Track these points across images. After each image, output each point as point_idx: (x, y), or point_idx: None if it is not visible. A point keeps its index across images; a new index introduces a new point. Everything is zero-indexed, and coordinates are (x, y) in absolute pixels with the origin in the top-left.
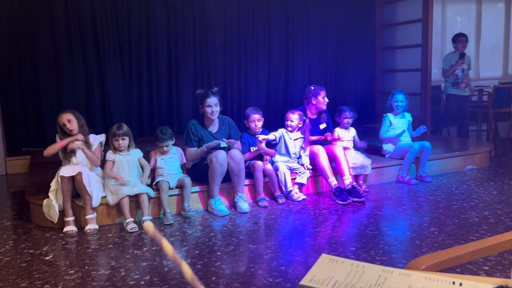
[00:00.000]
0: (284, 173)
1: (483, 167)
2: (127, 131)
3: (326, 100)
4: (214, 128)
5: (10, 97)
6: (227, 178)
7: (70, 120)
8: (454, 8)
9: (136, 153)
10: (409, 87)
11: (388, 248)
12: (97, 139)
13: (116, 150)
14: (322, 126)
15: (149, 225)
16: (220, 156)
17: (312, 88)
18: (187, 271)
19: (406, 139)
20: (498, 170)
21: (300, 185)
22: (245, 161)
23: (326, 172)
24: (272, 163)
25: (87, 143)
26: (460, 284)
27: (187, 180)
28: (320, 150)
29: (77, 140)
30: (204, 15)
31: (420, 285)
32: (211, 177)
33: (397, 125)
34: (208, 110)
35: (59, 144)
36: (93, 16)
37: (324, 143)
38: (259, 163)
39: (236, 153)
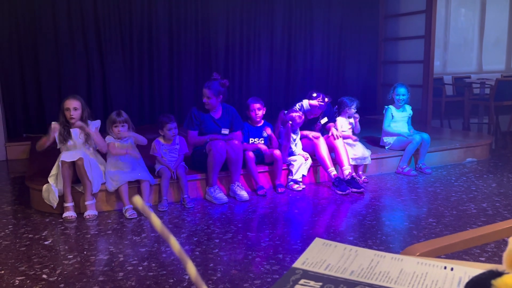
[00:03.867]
0: (301, 163)
1: (483, 159)
2: (127, 117)
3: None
4: (216, 114)
5: (10, 83)
6: (223, 167)
7: (76, 108)
8: (458, 0)
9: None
10: (411, 79)
11: (386, 238)
12: (93, 125)
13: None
14: (323, 121)
15: (138, 199)
16: (219, 146)
17: (314, 95)
18: (175, 244)
19: (404, 130)
20: (498, 163)
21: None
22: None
23: (325, 162)
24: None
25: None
26: (452, 269)
27: (181, 171)
28: (320, 141)
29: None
30: (207, 4)
31: (412, 270)
32: (210, 166)
33: (398, 118)
34: (203, 99)
35: (52, 134)
36: (95, 2)
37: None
38: (251, 154)
39: (236, 143)
